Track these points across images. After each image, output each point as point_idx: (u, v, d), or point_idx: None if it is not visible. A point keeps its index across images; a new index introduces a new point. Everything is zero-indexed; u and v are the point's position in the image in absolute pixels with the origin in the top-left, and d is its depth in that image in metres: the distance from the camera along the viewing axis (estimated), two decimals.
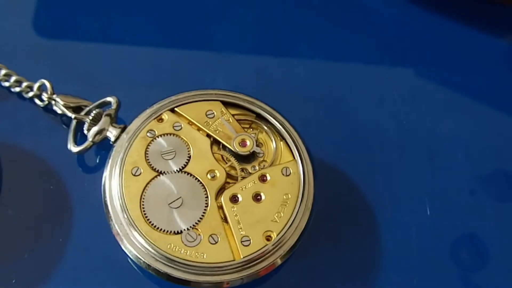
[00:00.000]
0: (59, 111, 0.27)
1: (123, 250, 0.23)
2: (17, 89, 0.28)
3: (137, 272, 0.25)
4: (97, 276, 0.25)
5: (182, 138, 0.24)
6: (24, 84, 0.27)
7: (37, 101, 0.27)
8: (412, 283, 0.26)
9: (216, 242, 0.22)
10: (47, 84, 0.27)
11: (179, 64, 0.30)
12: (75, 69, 0.29)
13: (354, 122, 0.29)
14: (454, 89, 0.31)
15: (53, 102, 0.27)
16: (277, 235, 0.23)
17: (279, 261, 0.23)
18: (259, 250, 0.22)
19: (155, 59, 0.30)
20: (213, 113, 0.25)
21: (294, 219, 0.23)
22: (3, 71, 0.27)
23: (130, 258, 0.24)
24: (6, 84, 0.28)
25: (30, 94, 0.27)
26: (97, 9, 0.31)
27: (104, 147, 0.27)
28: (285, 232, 0.23)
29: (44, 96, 0.27)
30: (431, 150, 0.29)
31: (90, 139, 0.25)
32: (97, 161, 0.27)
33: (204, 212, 0.23)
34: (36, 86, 0.27)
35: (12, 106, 0.28)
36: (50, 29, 0.30)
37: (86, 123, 0.26)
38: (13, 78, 0.28)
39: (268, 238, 0.23)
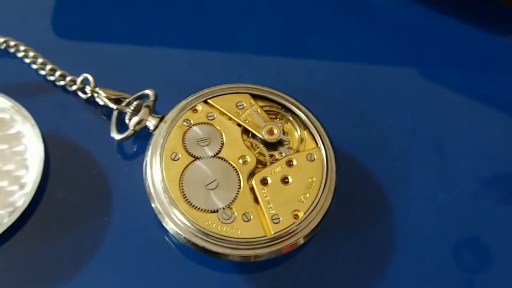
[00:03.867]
0: (101, 103, 0.29)
1: (164, 227, 0.26)
2: (62, 83, 0.30)
3: (172, 248, 0.27)
4: (137, 251, 0.27)
5: (215, 127, 0.27)
6: (68, 78, 0.30)
7: (80, 93, 0.29)
8: (425, 262, 0.28)
9: (249, 220, 0.25)
10: (90, 78, 0.29)
11: (208, 62, 0.32)
12: (111, 66, 0.31)
13: (369, 117, 0.31)
14: (461, 90, 0.32)
15: (95, 94, 0.29)
16: (304, 214, 0.25)
17: (302, 241, 0.25)
18: (288, 227, 0.25)
19: (185, 58, 0.32)
20: (243, 104, 0.27)
21: (319, 200, 0.25)
22: (49, 66, 0.30)
23: (170, 234, 0.26)
24: (52, 78, 0.30)
25: (74, 87, 0.29)
26: (131, 11, 0.33)
27: (139, 136, 0.29)
28: (311, 211, 0.25)
29: (87, 89, 0.29)
30: (439, 146, 0.30)
31: (131, 127, 0.27)
32: (134, 148, 0.29)
33: (237, 193, 0.25)
34: (79, 80, 0.29)
35: (56, 99, 0.30)
36: (87, 31, 0.32)
37: (127, 113, 0.28)
38: (57, 73, 0.30)
39: (296, 217, 0.25)
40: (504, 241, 0.28)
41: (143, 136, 0.29)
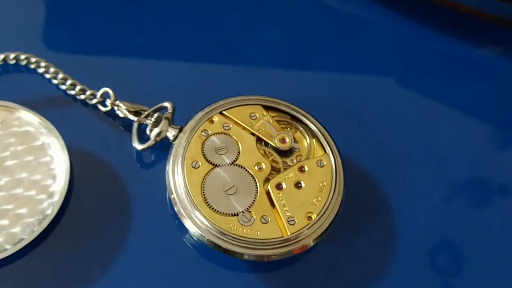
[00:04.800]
0: (121, 115, 0.30)
1: (182, 230, 0.28)
2: (82, 97, 0.31)
3: (190, 249, 0.29)
4: (157, 253, 0.29)
5: (231, 136, 0.29)
6: (88, 92, 0.31)
7: (100, 107, 0.31)
8: (423, 259, 0.30)
9: (267, 222, 0.27)
10: (110, 91, 0.31)
11: (219, 75, 0.34)
12: (127, 80, 0.33)
13: (368, 125, 0.33)
14: (439, 97, 0.35)
15: (115, 107, 0.31)
16: (317, 216, 0.27)
17: (312, 243, 0.27)
18: (303, 228, 0.27)
19: (197, 71, 0.33)
20: (256, 115, 0.29)
21: (330, 203, 0.27)
22: (69, 81, 0.31)
23: (189, 236, 0.28)
24: (72, 92, 0.31)
25: (94, 101, 0.31)
26: (146, 27, 0.35)
27: (155, 146, 0.30)
28: (323, 213, 0.27)
29: (108, 102, 0.31)
30: (432, 152, 0.33)
31: (152, 138, 0.29)
32: (152, 158, 0.31)
33: (255, 198, 0.27)
34: (99, 93, 0.31)
35: (78, 112, 0.31)
36: (103, 46, 0.34)
37: (148, 125, 0.30)
38: (78, 87, 0.31)
39: (309, 218, 0.27)
40: (475, 245, 0.30)
41: (159, 146, 0.30)
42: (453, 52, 0.36)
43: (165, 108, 0.30)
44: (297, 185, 0.28)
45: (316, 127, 0.29)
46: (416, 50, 0.36)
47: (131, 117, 0.30)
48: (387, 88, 0.35)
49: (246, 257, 0.27)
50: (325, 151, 0.29)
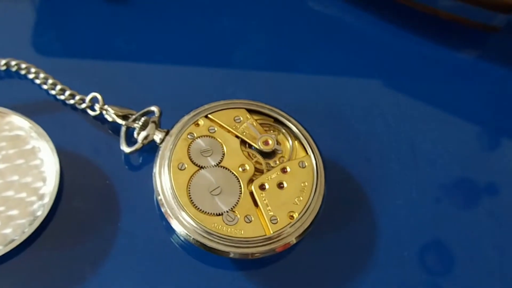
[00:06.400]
0: (110, 119, 0.31)
1: (170, 230, 0.28)
2: (71, 102, 0.32)
3: (177, 248, 0.30)
4: (145, 253, 0.29)
5: (216, 139, 0.29)
6: (77, 97, 0.32)
7: (89, 111, 0.32)
8: (404, 256, 0.31)
9: (251, 221, 0.28)
10: (99, 96, 0.31)
11: (204, 79, 0.34)
12: (115, 85, 0.34)
13: (350, 126, 0.34)
14: (425, 99, 0.36)
15: (104, 111, 0.31)
16: (298, 214, 0.28)
17: (294, 240, 0.28)
18: (285, 226, 0.27)
19: (183, 76, 0.34)
20: (240, 118, 0.30)
21: (311, 202, 0.28)
22: (59, 86, 0.32)
23: (176, 236, 0.29)
24: (62, 97, 0.32)
25: (83, 105, 0.32)
26: (134, 32, 0.36)
27: (143, 149, 0.31)
28: (304, 212, 0.28)
29: (96, 107, 0.32)
30: (412, 152, 0.34)
31: (139, 141, 0.30)
32: (140, 160, 0.32)
33: (239, 198, 0.28)
34: (88, 98, 0.32)
35: (67, 116, 0.32)
36: (92, 50, 0.35)
37: (136, 129, 0.31)
38: (67, 92, 0.32)
39: (291, 217, 0.28)
40: (464, 245, 0.31)
41: (146, 149, 0.31)
42: (433, 56, 0.37)
43: (152, 112, 0.31)
44: (280, 185, 0.29)
45: (298, 129, 0.30)
46: (398, 54, 0.37)
47: (119, 121, 0.31)
48: (370, 90, 0.36)
49: (231, 255, 0.28)
50: (307, 153, 0.30)
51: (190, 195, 0.28)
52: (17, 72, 0.33)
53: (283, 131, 0.30)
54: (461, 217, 0.32)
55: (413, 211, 0.32)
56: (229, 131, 0.30)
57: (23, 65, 0.33)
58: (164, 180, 0.28)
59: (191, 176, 0.28)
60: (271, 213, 0.28)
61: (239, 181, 0.28)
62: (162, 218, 0.29)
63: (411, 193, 0.32)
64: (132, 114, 0.31)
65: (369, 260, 0.30)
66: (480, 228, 0.32)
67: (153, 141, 0.30)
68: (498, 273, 0.31)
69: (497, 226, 0.32)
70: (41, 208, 0.29)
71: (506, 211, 0.32)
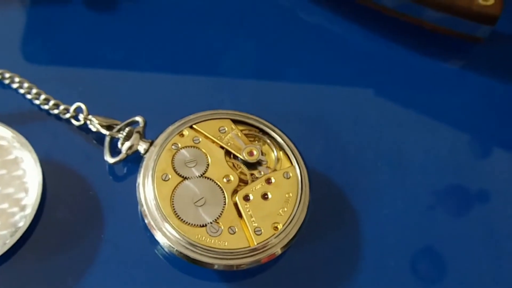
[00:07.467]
0: (94, 129, 0.31)
1: (154, 241, 0.28)
2: (55, 111, 0.32)
3: (161, 260, 0.29)
4: (129, 264, 0.29)
5: (201, 150, 0.29)
6: (62, 107, 0.32)
7: (73, 121, 0.32)
8: (390, 265, 0.31)
9: (235, 233, 0.27)
10: (83, 106, 0.31)
11: (191, 89, 0.34)
12: (100, 94, 0.33)
13: (336, 136, 0.34)
14: (412, 108, 0.36)
15: (88, 121, 0.31)
16: (283, 226, 0.28)
17: (279, 251, 0.28)
18: (270, 237, 0.27)
19: (169, 85, 0.34)
20: (225, 128, 0.30)
21: (295, 213, 0.28)
22: (43, 96, 0.32)
23: (160, 247, 0.29)
24: (46, 107, 0.32)
25: (67, 115, 0.32)
26: (119, 41, 0.35)
27: (127, 159, 0.31)
28: (289, 223, 0.28)
29: (81, 117, 0.31)
30: (399, 161, 0.34)
31: (123, 152, 0.30)
32: (124, 171, 0.32)
33: (223, 209, 0.28)
34: (72, 108, 0.32)
35: (51, 126, 0.32)
36: (77, 59, 0.35)
37: (120, 139, 0.30)
38: (51, 102, 0.32)
39: (275, 228, 0.28)
40: (457, 252, 0.31)
41: (131, 159, 0.31)
42: (419, 65, 0.37)
43: (137, 122, 0.31)
44: (264, 196, 0.29)
45: (283, 140, 0.30)
46: (385, 63, 0.37)
47: (104, 131, 0.31)
48: (357, 100, 0.36)
49: (216, 267, 0.27)
50: (292, 163, 0.30)
51: (173, 206, 0.28)
52: (1, 81, 0.33)
53: (268, 141, 0.30)
54: (450, 225, 0.32)
55: (400, 220, 0.32)
56: (213, 142, 0.30)
57: (7, 75, 0.33)
58: (147, 191, 0.28)
59: (175, 187, 0.28)
60: (255, 224, 0.28)
61: (223, 192, 0.28)
62: (146, 229, 0.29)
63: (398, 202, 0.32)
64: (116, 124, 0.31)
65: (355, 270, 0.30)
66: (471, 236, 0.32)
67: (137, 151, 0.30)
68: (490, 281, 0.31)
69: (488, 233, 0.32)
70: (23, 219, 0.28)
71: (496, 218, 0.32)
